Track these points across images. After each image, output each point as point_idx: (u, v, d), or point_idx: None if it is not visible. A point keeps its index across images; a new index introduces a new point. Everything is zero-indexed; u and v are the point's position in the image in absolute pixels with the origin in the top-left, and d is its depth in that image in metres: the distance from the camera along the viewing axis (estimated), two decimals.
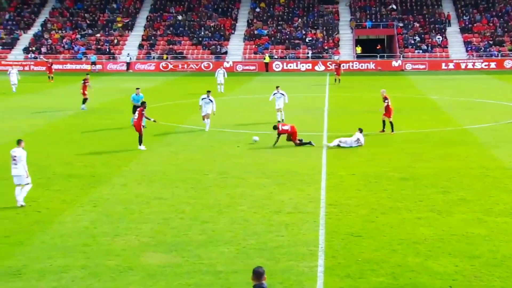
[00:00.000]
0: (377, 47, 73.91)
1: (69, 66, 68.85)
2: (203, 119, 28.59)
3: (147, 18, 76.00)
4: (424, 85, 50.77)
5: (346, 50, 70.49)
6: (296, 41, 71.19)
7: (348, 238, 14.40)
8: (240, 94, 45.48)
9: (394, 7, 74.73)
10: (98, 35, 73.64)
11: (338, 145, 24.65)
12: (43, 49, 71.63)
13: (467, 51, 68.64)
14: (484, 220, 15.69)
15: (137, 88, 31.36)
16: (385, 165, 21.83)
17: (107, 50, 71.43)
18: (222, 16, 75.72)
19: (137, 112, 24.15)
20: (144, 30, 74.18)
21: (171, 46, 71.47)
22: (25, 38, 73.84)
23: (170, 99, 42.24)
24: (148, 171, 21.14)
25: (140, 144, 24.31)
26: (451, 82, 53.60)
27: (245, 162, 22.42)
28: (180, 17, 75.48)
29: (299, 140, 25.18)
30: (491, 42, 69.26)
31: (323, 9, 75.82)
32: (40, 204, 17.23)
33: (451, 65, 66.51)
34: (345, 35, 72.31)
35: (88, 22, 76.00)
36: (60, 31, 74.49)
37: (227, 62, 67.23)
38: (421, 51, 69.04)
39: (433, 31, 71.27)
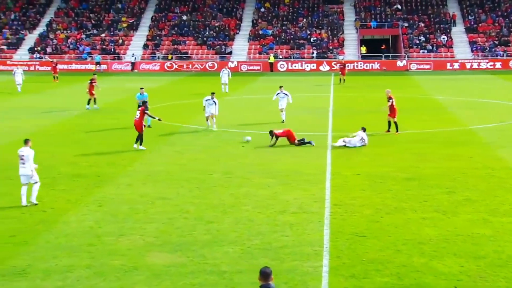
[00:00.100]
0: (382, 47, 73.82)
1: (74, 66, 69.00)
2: (207, 120, 28.61)
3: (152, 18, 76.09)
4: (429, 85, 50.69)
5: (351, 50, 70.42)
6: (301, 41, 71.17)
7: (353, 238, 14.39)
8: (245, 94, 45.49)
9: (399, 7, 74.61)
10: (103, 35, 73.77)
11: (345, 145, 24.63)
12: (48, 49, 71.80)
13: (472, 51, 68.49)
14: (489, 221, 15.65)
15: (141, 88, 31.43)
16: (390, 165, 21.80)
17: (112, 50, 71.55)
18: (226, 16, 75.75)
19: (139, 112, 24.09)
20: (149, 30, 74.27)
21: (176, 46, 71.53)
22: (31, 38, 74.03)
23: (174, 99, 42.28)
24: (153, 171, 21.16)
25: (140, 144, 24.19)
26: (456, 82, 53.49)
27: (249, 162, 22.42)
28: (184, 17, 75.56)
29: (298, 141, 25.19)
30: (496, 42, 69.08)
31: (328, 9, 75.76)
32: (45, 204, 17.27)
33: (456, 65, 66.37)
34: (350, 35, 72.24)
35: (93, 22, 76.14)
36: (65, 31, 74.65)
37: (232, 62, 67.25)
38: (426, 51, 68.92)
39: (438, 31, 71.13)
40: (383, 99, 29.90)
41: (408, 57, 67.88)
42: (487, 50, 68.34)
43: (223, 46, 70.98)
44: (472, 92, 45.14)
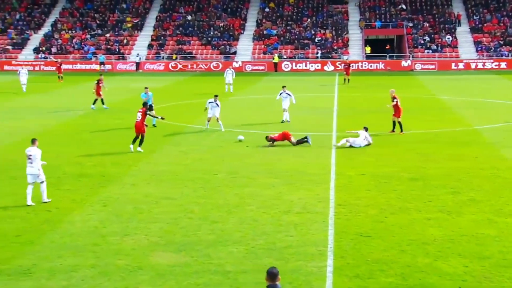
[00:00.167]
0: (386, 47, 73.74)
1: (78, 66, 69.15)
2: (208, 120, 28.57)
3: (156, 18, 76.19)
4: (433, 85, 50.61)
5: (356, 50, 70.37)
6: (305, 41, 71.14)
7: (357, 238, 14.38)
8: (249, 94, 45.50)
9: (404, 7, 74.51)
10: (108, 35, 73.90)
11: (351, 146, 24.64)
12: (53, 49, 71.97)
13: (477, 51, 68.35)
14: (494, 221, 15.62)
15: (146, 87, 31.49)
16: (394, 165, 21.78)
17: (117, 50, 71.68)
18: (231, 16, 75.78)
19: (140, 114, 24.01)
20: (154, 30, 74.36)
21: (180, 46, 71.60)
22: (36, 38, 74.22)
23: (179, 99, 42.32)
24: (158, 170, 21.19)
25: (139, 145, 24.12)
26: (461, 82, 53.39)
27: (254, 162, 22.43)
28: (189, 17, 75.62)
29: (297, 140, 25.23)
30: (501, 42, 68.93)
31: (333, 9, 75.72)
32: (50, 204, 17.31)
33: (461, 65, 66.26)
34: (355, 35, 72.18)
35: (98, 22, 76.29)
36: (70, 31, 74.81)
37: (236, 62, 67.28)
38: (430, 51, 68.82)
39: (443, 31, 71.00)
40: (387, 99, 29.88)
41: (412, 57, 67.79)
42: (492, 50, 68.19)
43: (227, 46, 71.01)
44: (477, 92, 45.05)
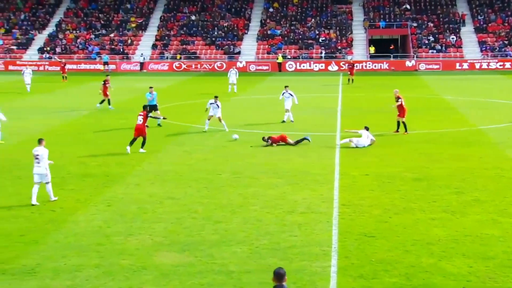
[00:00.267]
0: (390, 47, 73.66)
1: (83, 66, 69.26)
2: (208, 119, 28.52)
3: (160, 18, 76.26)
4: (438, 85, 50.53)
5: (360, 50, 70.31)
6: (309, 41, 71.11)
7: (361, 239, 14.37)
8: (253, 94, 45.50)
9: (408, 7, 74.40)
10: (112, 35, 74.00)
11: (356, 146, 24.62)
12: (58, 49, 72.11)
13: (481, 51, 68.21)
14: (498, 221, 15.59)
15: (151, 87, 31.52)
16: (398, 165, 21.76)
17: (121, 50, 71.76)
18: (235, 16, 75.80)
19: (141, 117, 23.98)
20: (158, 30, 74.43)
21: (184, 46, 71.65)
22: (40, 38, 74.37)
23: (183, 99, 42.35)
24: (161, 170, 21.21)
25: (142, 146, 24.11)
26: (465, 82, 53.29)
27: (257, 162, 22.43)
28: (193, 17, 75.66)
29: (295, 141, 25.23)
30: (506, 42, 68.77)
31: (337, 9, 75.67)
32: (55, 203, 17.35)
33: (465, 65, 66.13)
34: (359, 35, 72.12)
35: (102, 22, 76.40)
36: (74, 31, 74.95)
37: (240, 62, 67.30)
38: (435, 51, 68.71)
39: (447, 31, 70.89)
40: (391, 99, 29.84)
41: (417, 57, 67.69)
42: (496, 50, 68.04)
43: (231, 46, 71.03)
44: (481, 92, 44.96)
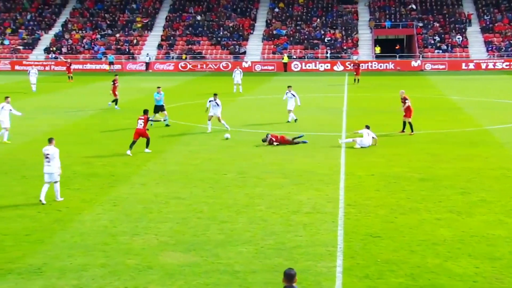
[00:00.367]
0: (396, 47, 73.55)
1: (88, 66, 69.41)
2: (209, 119, 28.52)
3: (166, 18, 76.34)
4: (443, 85, 50.41)
5: (365, 50, 70.22)
6: (315, 41, 71.06)
7: (367, 239, 14.35)
8: (259, 94, 45.50)
9: (414, 7, 74.25)
10: (118, 35, 74.15)
11: (362, 147, 24.59)
12: (64, 49, 72.28)
13: (487, 51, 68.01)
14: (505, 222, 15.54)
15: (158, 87, 31.54)
16: (404, 165, 21.72)
17: (127, 50, 71.89)
18: (241, 16, 75.82)
19: (142, 121, 23.97)
20: (163, 30, 74.52)
21: (190, 46, 71.72)
22: (46, 38, 74.57)
23: (188, 99, 42.38)
24: (167, 170, 21.23)
25: (146, 147, 24.13)
26: (471, 83, 53.15)
27: (263, 162, 22.43)
28: (199, 17, 75.72)
29: (293, 139, 25.26)
30: None
31: (342, 9, 75.59)
32: (61, 203, 17.39)
33: (471, 65, 65.97)
34: (364, 35, 72.03)
35: (108, 22, 76.55)
36: (80, 31, 75.12)
37: (246, 62, 67.32)
38: (440, 51, 68.55)
39: (453, 31, 70.72)
40: (397, 99, 29.79)
41: (422, 57, 67.56)
42: (503, 50, 67.84)
43: (237, 46, 71.05)
44: (487, 92, 44.83)
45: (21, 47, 73.49)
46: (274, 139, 25.36)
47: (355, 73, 53.73)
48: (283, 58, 67.47)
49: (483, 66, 65.77)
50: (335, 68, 66.78)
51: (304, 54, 69.32)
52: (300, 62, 67.59)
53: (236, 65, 55.69)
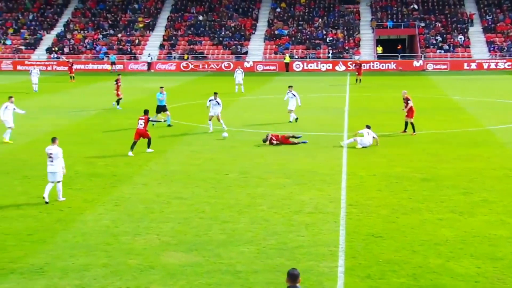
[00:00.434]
0: (398, 47, 73.51)
1: (90, 66, 69.47)
2: (209, 119, 28.53)
3: (168, 18, 76.39)
4: (445, 85, 50.38)
5: (367, 50, 70.20)
6: (317, 41, 71.05)
7: (368, 239, 14.35)
8: (260, 94, 45.51)
9: (416, 7, 74.22)
10: (120, 35, 74.20)
11: (363, 146, 24.59)
12: (66, 49, 72.36)
13: (489, 51, 67.97)
14: (507, 222, 15.53)
15: (161, 87, 31.54)
16: (406, 165, 21.71)
17: (129, 50, 71.93)
18: (242, 16, 75.84)
19: (142, 121, 23.94)
20: (165, 30, 74.56)
21: (191, 46, 71.75)
22: (48, 39, 74.65)
23: (190, 99, 42.39)
24: (169, 170, 21.24)
25: (148, 147, 24.12)
26: (473, 83, 53.12)
27: (265, 162, 22.44)
28: (201, 17, 75.75)
29: (291, 137, 25.21)
30: None
31: (344, 9, 75.57)
32: (63, 203, 17.41)
33: (473, 65, 65.93)
34: (366, 35, 72.01)
35: (110, 22, 76.61)
36: (82, 32, 75.19)
37: (248, 62, 67.33)
38: (442, 51, 68.52)
39: (455, 31, 70.66)
40: (399, 99, 29.78)
41: (424, 57, 67.52)
42: (505, 50, 67.78)
43: (238, 46, 71.07)
44: (489, 92, 44.79)
45: (23, 47, 73.57)
46: (274, 138, 25.38)
47: (357, 73, 53.70)
48: (285, 58, 67.48)
49: (485, 66, 65.72)
50: (337, 68, 66.76)
51: (306, 54, 69.31)
52: (302, 62, 67.59)
53: (239, 65, 55.68)
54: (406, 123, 27.82)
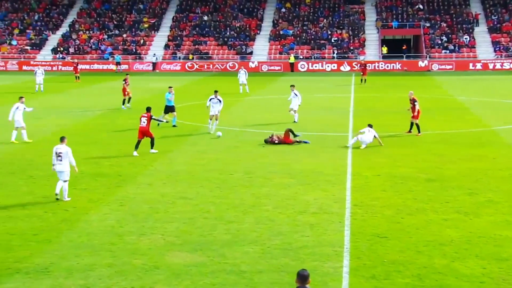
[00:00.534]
0: (403, 47, 73.39)
1: (96, 66, 69.59)
2: (210, 119, 28.52)
3: (173, 18, 76.46)
4: (451, 85, 50.28)
5: (372, 50, 70.12)
6: (322, 41, 71.00)
7: (373, 239, 14.33)
8: (265, 94, 45.51)
9: (421, 7, 74.08)
10: (125, 35, 74.31)
11: (366, 145, 24.57)
12: (71, 50, 72.51)
13: (495, 51, 67.79)
14: None
15: (170, 87, 31.53)
16: (411, 166, 21.67)
17: (134, 50, 72.03)
18: (247, 16, 75.84)
19: (145, 119, 23.87)
20: (170, 31, 74.63)
21: (196, 46, 71.80)
22: (54, 39, 74.82)
23: (195, 99, 42.41)
24: (174, 170, 21.26)
25: (151, 147, 24.06)
26: (479, 83, 52.99)
27: (270, 162, 22.44)
28: (205, 18, 75.80)
29: (293, 138, 25.24)
30: None
31: (349, 9, 75.50)
32: (68, 203, 17.45)
33: (478, 66, 65.76)
34: (371, 35, 71.92)
35: (115, 22, 76.73)
36: (87, 32, 75.33)
37: (252, 62, 67.34)
38: (448, 51, 68.38)
39: (461, 31, 70.50)
40: (404, 100, 29.75)
41: (429, 57, 67.39)
42: (510, 50, 67.58)
43: (243, 46, 71.08)
44: (495, 93, 44.68)
45: (28, 48, 73.77)
46: (276, 138, 25.32)
47: (362, 73, 53.64)
48: (289, 58, 67.46)
49: (491, 66, 65.55)
50: (341, 68, 66.71)
51: (311, 54, 69.28)
52: (307, 62, 67.55)
53: (242, 66, 55.69)
54: (412, 124, 27.77)
